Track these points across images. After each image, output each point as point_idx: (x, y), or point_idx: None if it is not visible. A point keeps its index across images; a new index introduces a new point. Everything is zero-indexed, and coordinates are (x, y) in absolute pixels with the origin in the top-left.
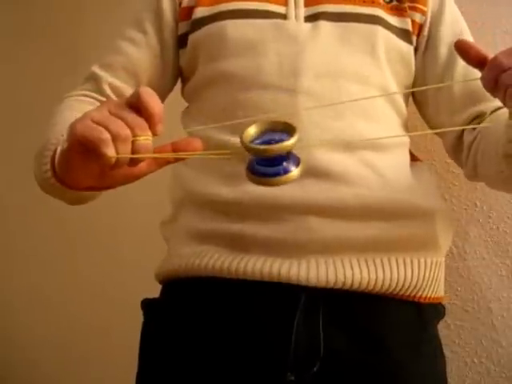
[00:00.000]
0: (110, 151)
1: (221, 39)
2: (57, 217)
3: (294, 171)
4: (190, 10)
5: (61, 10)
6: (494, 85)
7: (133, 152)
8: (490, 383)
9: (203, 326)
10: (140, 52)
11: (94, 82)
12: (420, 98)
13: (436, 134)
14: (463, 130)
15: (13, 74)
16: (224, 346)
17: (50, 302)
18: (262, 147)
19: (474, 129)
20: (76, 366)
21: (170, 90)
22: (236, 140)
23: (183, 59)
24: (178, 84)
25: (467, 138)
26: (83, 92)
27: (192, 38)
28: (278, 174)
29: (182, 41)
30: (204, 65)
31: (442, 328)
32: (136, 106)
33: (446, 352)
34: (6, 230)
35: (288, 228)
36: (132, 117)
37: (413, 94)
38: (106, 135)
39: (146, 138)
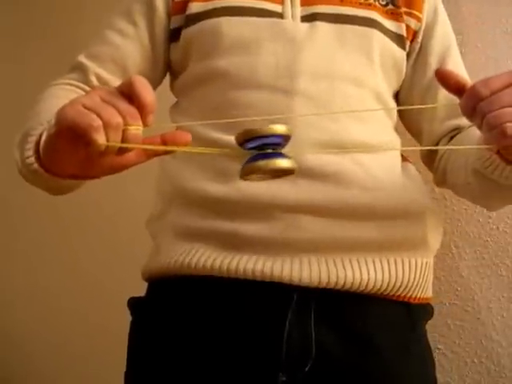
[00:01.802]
0: (101, 138)
1: (215, 36)
2: (55, 214)
3: (283, 160)
4: (185, 4)
5: (61, 11)
6: (471, 112)
7: (122, 141)
8: (489, 383)
9: (194, 326)
10: (129, 44)
11: (81, 71)
12: (404, 105)
13: (415, 139)
14: (440, 139)
15: (13, 74)
16: (215, 345)
17: (48, 299)
18: (249, 128)
19: (450, 139)
20: (73, 363)
21: (159, 83)
22: (227, 138)
23: (174, 53)
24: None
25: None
26: (69, 81)
27: (185, 33)
28: (266, 158)
29: (174, 35)
30: (196, 61)
31: (442, 328)
32: (128, 94)
33: (446, 352)
34: (3, 228)
35: (279, 227)
36: (124, 105)
37: (397, 98)
38: (98, 122)
39: (136, 128)
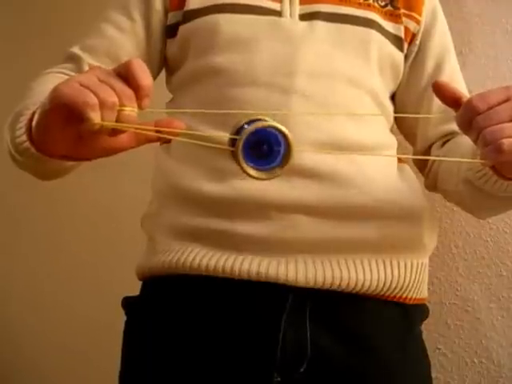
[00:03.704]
0: (96, 117)
1: (213, 33)
2: (52, 212)
3: (274, 122)
4: (183, 0)
5: (60, 11)
6: (467, 126)
7: (116, 122)
8: (489, 383)
9: (188, 326)
10: (125, 39)
11: (74, 62)
12: (400, 106)
13: (408, 141)
14: (433, 144)
15: (12, 75)
16: (210, 345)
17: (46, 298)
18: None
19: (443, 145)
20: (69, 361)
21: (154, 79)
22: (223, 135)
23: (171, 49)
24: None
25: (435, 152)
26: (62, 70)
27: (183, 29)
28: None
29: (171, 31)
30: (194, 58)
31: (442, 328)
32: (125, 76)
33: (446, 352)
34: (1, 226)
35: (275, 227)
36: (120, 86)
37: (394, 100)
38: (94, 100)
39: (131, 110)
